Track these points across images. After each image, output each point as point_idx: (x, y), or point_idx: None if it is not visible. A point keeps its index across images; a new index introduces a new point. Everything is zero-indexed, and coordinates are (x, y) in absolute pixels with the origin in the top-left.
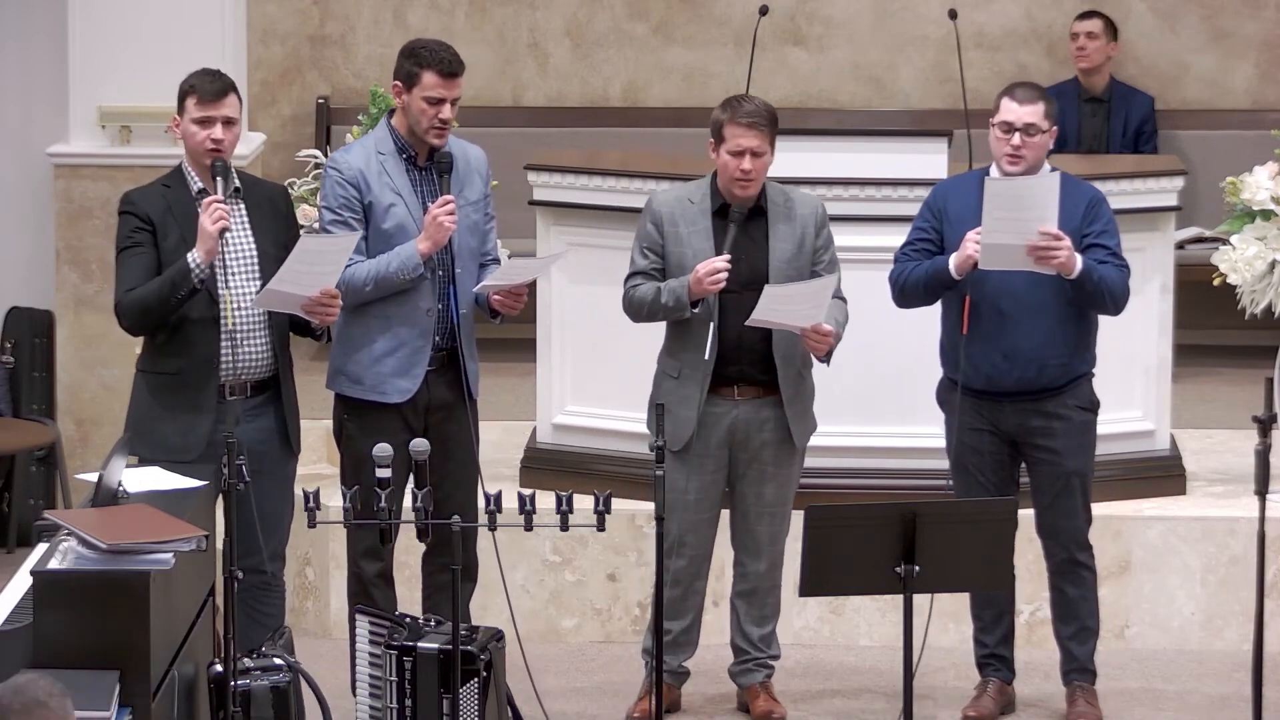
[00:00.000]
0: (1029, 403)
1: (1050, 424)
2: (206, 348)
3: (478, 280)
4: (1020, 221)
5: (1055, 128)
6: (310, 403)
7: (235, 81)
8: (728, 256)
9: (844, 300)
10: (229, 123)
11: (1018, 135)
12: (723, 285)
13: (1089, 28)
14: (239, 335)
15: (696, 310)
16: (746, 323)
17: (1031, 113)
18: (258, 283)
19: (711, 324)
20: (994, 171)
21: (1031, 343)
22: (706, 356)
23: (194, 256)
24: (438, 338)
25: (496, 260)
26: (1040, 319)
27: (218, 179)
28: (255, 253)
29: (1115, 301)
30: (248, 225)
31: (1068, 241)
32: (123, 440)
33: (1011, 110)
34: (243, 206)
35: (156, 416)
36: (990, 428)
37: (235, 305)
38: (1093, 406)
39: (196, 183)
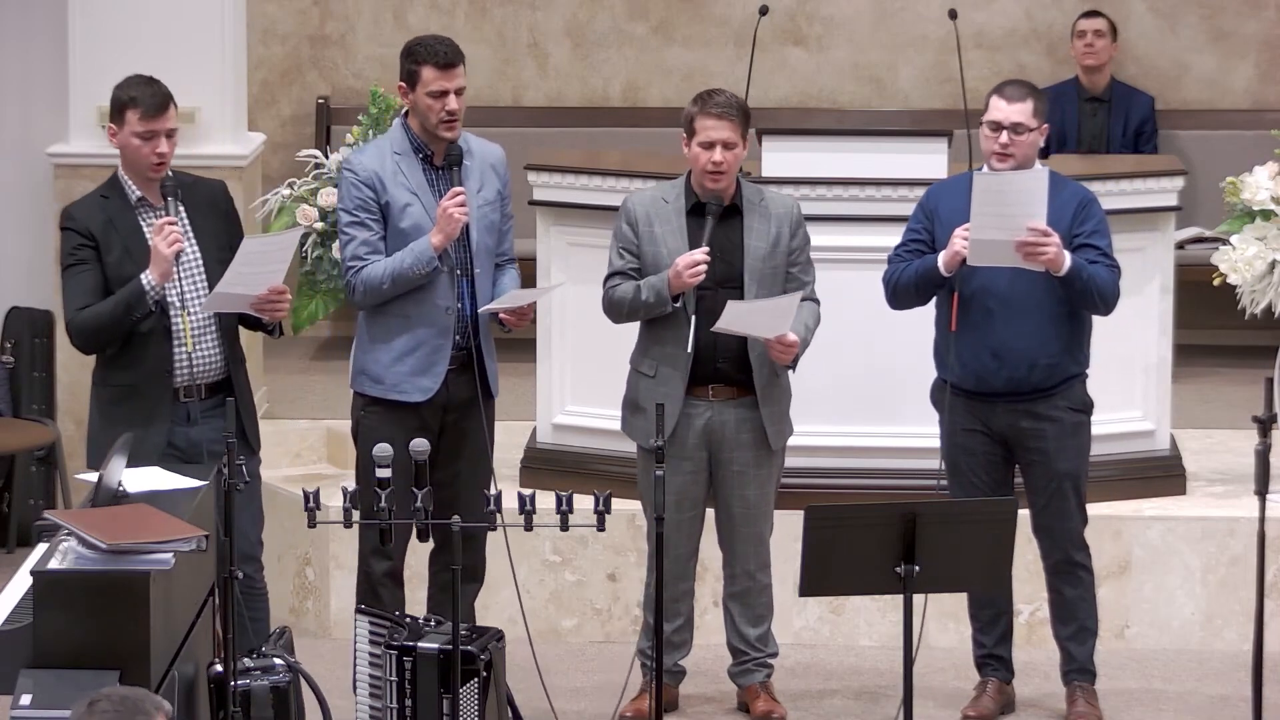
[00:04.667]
0: (1020, 403)
1: (1041, 425)
2: (159, 358)
3: (494, 280)
4: (1008, 217)
5: (1046, 125)
6: (311, 403)
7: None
8: (706, 249)
9: (817, 302)
10: (170, 134)
11: (1005, 134)
12: (703, 277)
13: (1097, 25)
14: (188, 350)
15: (677, 304)
16: (713, 329)
17: (1019, 111)
18: (204, 287)
19: (692, 318)
20: (985, 171)
21: (1022, 342)
22: (689, 350)
23: (148, 279)
24: (457, 336)
25: (512, 260)
26: (1031, 318)
27: (169, 199)
28: (199, 258)
29: (1105, 301)
30: (189, 230)
31: (1056, 238)
32: (123, 440)
33: (999, 109)
34: (183, 210)
35: (111, 429)
36: (982, 428)
37: (191, 322)
38: (1085, 408)
39: (135, 192)
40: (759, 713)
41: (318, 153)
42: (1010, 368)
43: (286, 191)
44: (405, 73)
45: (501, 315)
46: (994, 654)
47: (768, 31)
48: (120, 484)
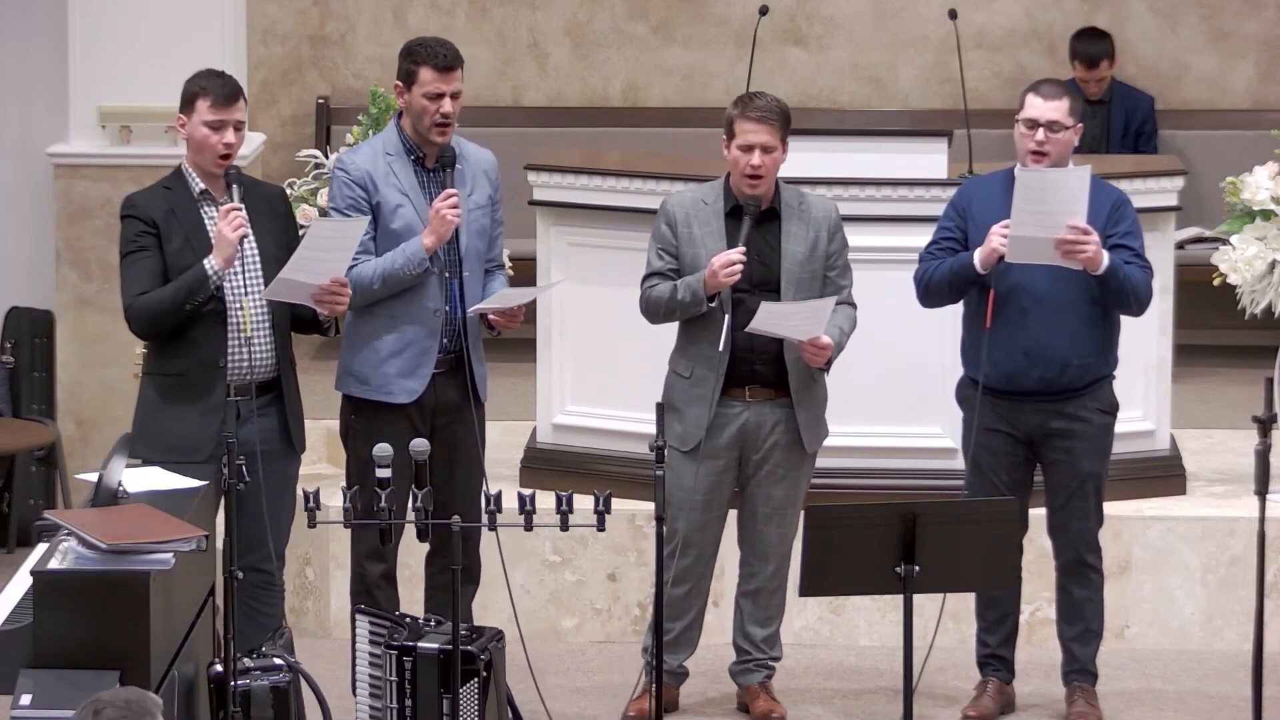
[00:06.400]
0: (1050, 403)
1: (1070, 425)
2: (211, 348)
3: (483, 284)
4: (1049, 214)
5: (1080, 124)
6: (311, 402)
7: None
8: (742, 249)
9: (853, 305)
10: (239, 126)
11: (1041, 131)
12: (738, 277)
13: (1100, 74)
14: (245, 336)
15: (713, 304)
16: (746, 329)
17: (1055, 109)
18: (261, 281)
19: (726, 316)
20: (1024, 168)
21: (1055, 341)
22: (720, 349)
23: (211, 264)
24: (445, 339)
25: (501, 266)
26: (1064, 317)
27: (233, 186)
28: (258, 254)
29: (1139, 301)
30: (249, 227)
31: (1096, 236)
32: (123, 440)
33: (1035, 106)
34: (244, 208)
35: (164, 418)
36: (1007, 429)
37: (252, 312)
38: (1112, 409)
39: (198, 184)
40: (759, 713)
41: (318, 153)
42: (1042, 367)
43: (287, 192)
44: (403, 72)
45: (490, 317)
46: (997, 654)
47: (768, 31)
48: (120, 484)
